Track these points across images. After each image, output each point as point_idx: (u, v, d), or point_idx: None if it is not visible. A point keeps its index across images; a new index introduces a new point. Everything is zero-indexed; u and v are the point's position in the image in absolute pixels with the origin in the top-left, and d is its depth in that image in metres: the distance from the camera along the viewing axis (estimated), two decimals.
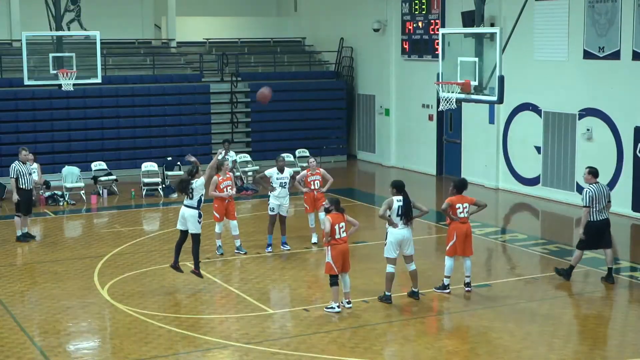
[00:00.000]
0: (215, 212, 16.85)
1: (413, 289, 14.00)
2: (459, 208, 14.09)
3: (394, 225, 13.53)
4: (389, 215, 13.54)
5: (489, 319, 13.10)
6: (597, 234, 14.80)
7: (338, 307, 13.31)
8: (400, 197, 13.55)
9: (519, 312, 13.41)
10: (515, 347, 11.90)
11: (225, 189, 16.76)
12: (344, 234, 13.19)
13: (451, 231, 14.20)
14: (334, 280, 13.26)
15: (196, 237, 14.61)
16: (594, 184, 14.86)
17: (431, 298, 14.20)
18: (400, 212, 13.51)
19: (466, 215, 14.16)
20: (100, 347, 12.31)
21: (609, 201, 14.95)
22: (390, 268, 13.64)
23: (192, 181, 14.50)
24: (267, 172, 17.36)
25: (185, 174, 14.89)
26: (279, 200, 17.13)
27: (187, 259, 15.19)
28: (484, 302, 13.92)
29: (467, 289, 14.33)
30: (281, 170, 17.27)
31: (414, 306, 13.78)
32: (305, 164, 26.13)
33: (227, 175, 17.00)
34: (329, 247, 13.17)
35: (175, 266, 14.81)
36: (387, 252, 13.65)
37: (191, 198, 14.48)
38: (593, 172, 15.03)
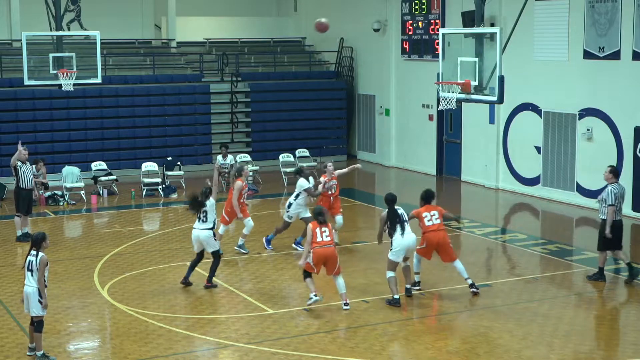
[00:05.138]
0: (226, 215, 16.77)
1: (406, 286, 14.09)
2: (427, 217, 14.03)
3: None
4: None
5: (489, 319, 13.10)
6: (618, 233, 14.99)
7: (316, 295, 13.36)
8: (391, 209, 13.79)
9: (519, 312, 13.41)
10: (515, 347, 11.90)
11: (244, 195, 16.82)
12: (327, 238, 13.25)
13: (423, 239, 14.18)
14: (306, 274, 13.39)
15: (216, 254, 14.69)
16: (615, 184, 14.95)
17: (431, 298, 14.21)
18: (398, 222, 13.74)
19: (436, 222, 14.01)
20: (100, 347, 12.32)
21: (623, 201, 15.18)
22: (390, 273, 13.69)
23: (206, 203, 14.52)
24: (305, 186, 16.93)
25: (199, 195, 14.62)
26: (301, 208, 16.92)
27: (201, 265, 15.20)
28: (484, 302, 13.92)
29: (472, 290, 14.21)
30: (308, 179, 17.08)
31: (414, 306, 13.79)
32: (304, 164, 26.14)
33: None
34: (311, 252, 13.25)
35: (185, 282, 14.84)
36: (395, 256, 13.70)
37: (205, 221, 14.51)
38: (614, 172, 15.15)
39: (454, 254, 14.23)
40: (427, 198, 14.26)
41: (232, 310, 13.66)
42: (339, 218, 17.34)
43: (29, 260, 11.46)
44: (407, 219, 13.85)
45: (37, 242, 11.52)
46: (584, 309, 13.71)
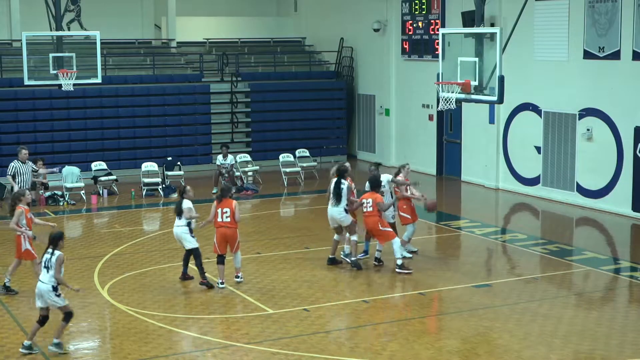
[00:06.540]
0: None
1: (343, 252, 15.89)
2: (364, 203, 15.36)
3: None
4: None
5: (489, 319, 13.10)
6: None
7: (222, 283, 14.51)
8: (337, 180, 15.45)
9: (519, 312, 13.41)
10: (515, 347, 11.90)
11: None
12: (227, 219, 14.36)
13: None
14: (219, 260, 14.53)
15: (195, 252, 14.78)
16: None
17: (431, 298, 14.22)
18: (332, 193, 15.47)
19: (369, 209, 15.24)
20: (100, 347, 12.32)
21: None
22: (335, 236, 15.79)
23: (183, 201, 14.77)
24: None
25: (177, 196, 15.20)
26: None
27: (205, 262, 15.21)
28: (484, 302, 13.92)
29: (397, 267, 15.32)
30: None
31: (414, 306, 13.79)
32: (302, 164, 26.12)
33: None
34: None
35: (185, 278, 15.01)
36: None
37: (180, 218, 14.74)
38: None
39: (388, 237, 15.30)
40: (371, 186, 15.56)
41: (232, 310, 13.66)
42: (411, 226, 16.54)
43: (46, 258, 11.79)
44: (345, 193, 15.34)
45: (54, 240, 11.86)
46: (584, 309, 13.71)
